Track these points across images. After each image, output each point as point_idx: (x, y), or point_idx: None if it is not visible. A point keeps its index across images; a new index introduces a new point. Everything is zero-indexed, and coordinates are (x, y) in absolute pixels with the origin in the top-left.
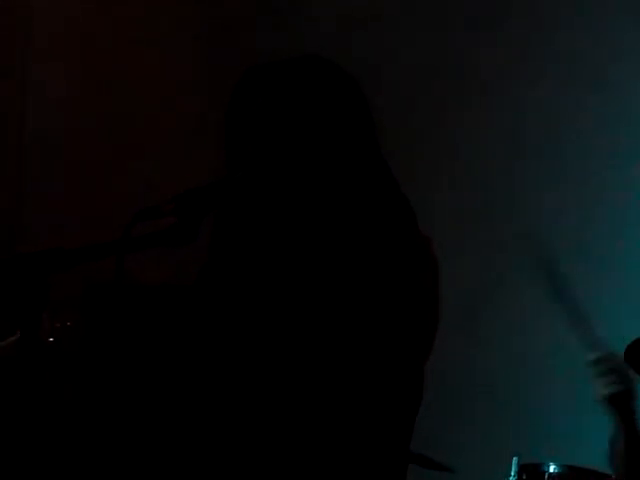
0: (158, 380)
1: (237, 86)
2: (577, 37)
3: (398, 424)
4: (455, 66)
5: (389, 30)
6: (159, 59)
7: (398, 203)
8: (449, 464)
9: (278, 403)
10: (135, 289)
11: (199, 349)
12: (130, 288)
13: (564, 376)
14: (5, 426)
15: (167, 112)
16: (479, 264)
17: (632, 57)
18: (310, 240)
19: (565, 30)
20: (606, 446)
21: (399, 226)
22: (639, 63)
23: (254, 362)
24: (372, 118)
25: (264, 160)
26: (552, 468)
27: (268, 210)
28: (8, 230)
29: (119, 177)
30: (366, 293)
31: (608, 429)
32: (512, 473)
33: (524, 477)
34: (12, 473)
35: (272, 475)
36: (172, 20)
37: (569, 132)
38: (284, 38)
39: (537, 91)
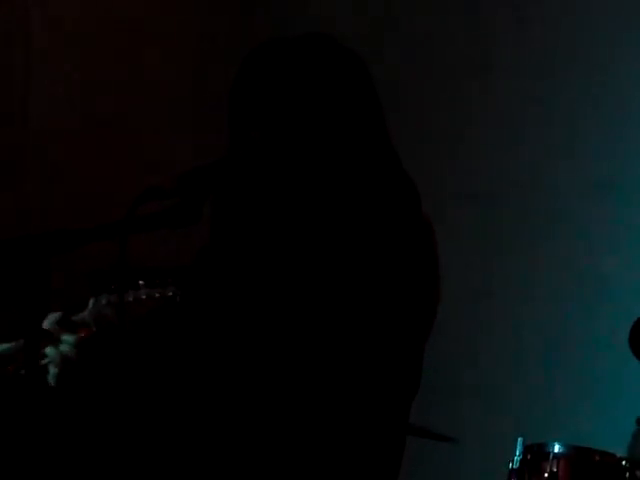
0: (157, 373)
1: (243, 64)
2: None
3: (397, 400)
4: (464, 51)
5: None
6: (159, 59)
7: (400, 184)
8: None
9: (276, 383)
10: (137, 271)
11: (196, 336)
12: (133, 270)
13: (568, 357)
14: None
15: (168, 112)
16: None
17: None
18: (310, 220)
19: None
20: (609, 427)
21: (400, 207)
22: None
23: (252, 341)
24: (377, 97)
25: (267, 139)
26: (557, 448)
27: (269, 190)
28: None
29: (120, 177)
30: (366, 273)
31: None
32: (517, 453)
33: (529, 457)
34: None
35: (272, 455)
36: (172, 20)
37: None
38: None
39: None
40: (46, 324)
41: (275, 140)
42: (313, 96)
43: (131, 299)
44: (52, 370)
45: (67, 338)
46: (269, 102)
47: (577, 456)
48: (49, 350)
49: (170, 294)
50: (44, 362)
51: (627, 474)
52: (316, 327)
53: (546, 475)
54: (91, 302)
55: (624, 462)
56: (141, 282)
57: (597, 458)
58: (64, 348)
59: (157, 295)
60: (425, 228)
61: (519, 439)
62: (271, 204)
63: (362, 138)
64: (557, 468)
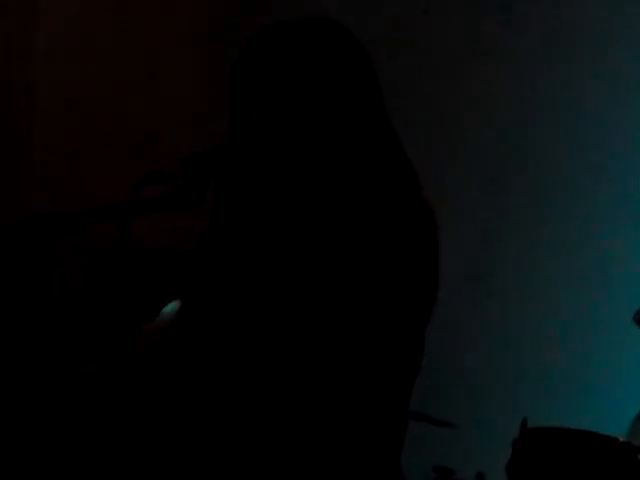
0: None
1: (244, 48)
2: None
3: (398, 384)
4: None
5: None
6: (160, 57)
7: (400, 167)
8: (456, 425)
9: (278, 365)
10: (141, 253)
11: (199, 320)
12: (136, 252)
13: (576, 340)
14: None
15: (169, 111)
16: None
17: None
18: (311, 204)
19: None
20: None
21: (399, 191)
22: None
23: (255, 328)
24: (377, 80)
25: (267, 120)
26: (559, 432)
27: (270, 173)
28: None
29: (122, 177)
30: (365, 257)
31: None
32: (519, 436)
33: (531, 440)
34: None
35: (274, 440)
36: (172, 19)
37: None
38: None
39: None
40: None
41: (276, 122)
42: (314, 78)
43: None
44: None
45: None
46: (270, 84)
47: (580, 440)
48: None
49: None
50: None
51: (630, 458)
52: (316, 310)
53: (549, 458)
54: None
55: (627, 446)
56: None
57: (600, 441)
58: None
59: None
60: (426, 212)
61: (522, 421)
62: (272, 187)
63: (362, 121)
64: (559, 452)
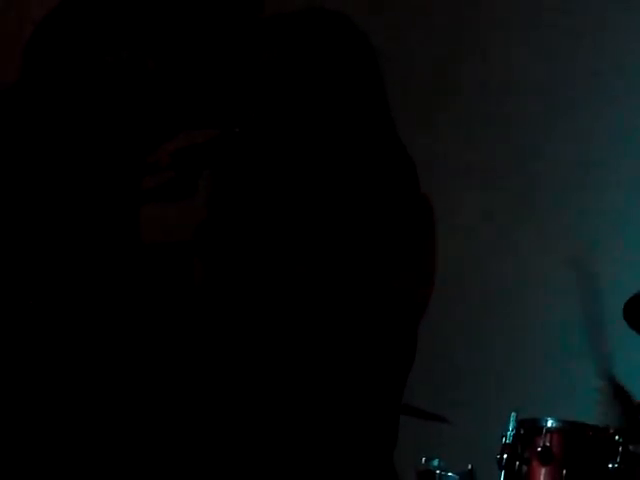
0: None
1: (245, 38)
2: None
3: (391, 378)
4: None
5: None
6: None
7: (399, 164)
8: (448, 420)
9: (272, 363)
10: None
11: (197, 313)
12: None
13: (560, 332)
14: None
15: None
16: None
17: None
18: (306, 197)
19: None
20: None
21: (397, 187)
22: None
23: (251, 321)
24: (380, 73)
25: (264, 115)
26: (550, 423)
27: (266, 166)
28: None
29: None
30: (360, 251)
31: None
32: (510, 428)
33: (522, 432)
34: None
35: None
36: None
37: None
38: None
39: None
40: None
41: (271, 115)
42: (314, 74)
43: None
44: None
45: None
46: (267, 77)
47: (570, 430)
48: None
49: None
50: None
51: (620, 448)
52: (309, 304)
53: (539, 449)
54: None
55: (617, 437)
56: None
57: (590, 433)
58: None
59: None
60: (424, 208)
61: (512, 414)
62: (267, 179)
63: (362, 116)
64: (550, 443)
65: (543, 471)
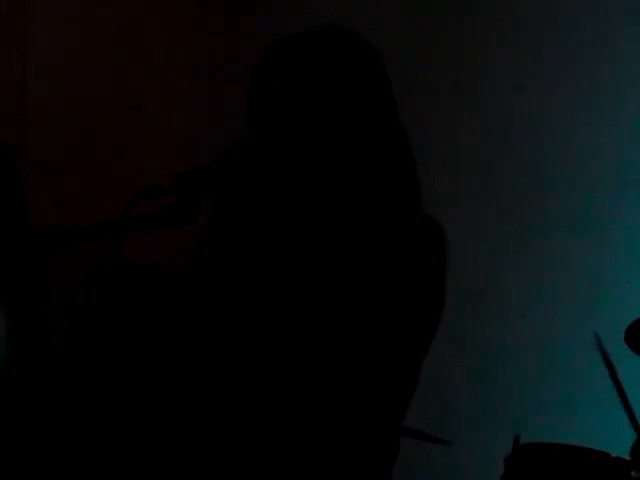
0: (157, 372)
1: (262, 58)
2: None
3: (394, 403)
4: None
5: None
6: (160, 56)
7: (407, 188)
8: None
9: (276, 383)
10: (133, 269)
11: (196, 333)
12: (129, 269)
13: (566, 356)
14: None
15: (168, 110)
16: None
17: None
18: (309, 223)
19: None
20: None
21: (404, 209)
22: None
23: (252, 345)
24: (392, 97)
25: (269, 137)
26: (552, 447)
27: (268, 190)
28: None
29: (121, 175)
30: (367, 278)
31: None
32: (512, 452)
33: (524, 456)
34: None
35: (270, 451)
36: (171, 18)
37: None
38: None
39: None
40: None
41: (279, 139)
42: (322, 96)
43: None
44: None
45: None
46: (270, 100)
47: (573, 455)
48: None
49: None
50: None
51: (622, 474)
52: (314, 329)
53: (542, 474)
54: None
55: (620, 462)
56: None
57: (593, 458)
58: None
59: None
60: (432, 231)
61: (515, 438)
62: (271, 203)
63: (372, 139)
64: (553, 467)
65: None
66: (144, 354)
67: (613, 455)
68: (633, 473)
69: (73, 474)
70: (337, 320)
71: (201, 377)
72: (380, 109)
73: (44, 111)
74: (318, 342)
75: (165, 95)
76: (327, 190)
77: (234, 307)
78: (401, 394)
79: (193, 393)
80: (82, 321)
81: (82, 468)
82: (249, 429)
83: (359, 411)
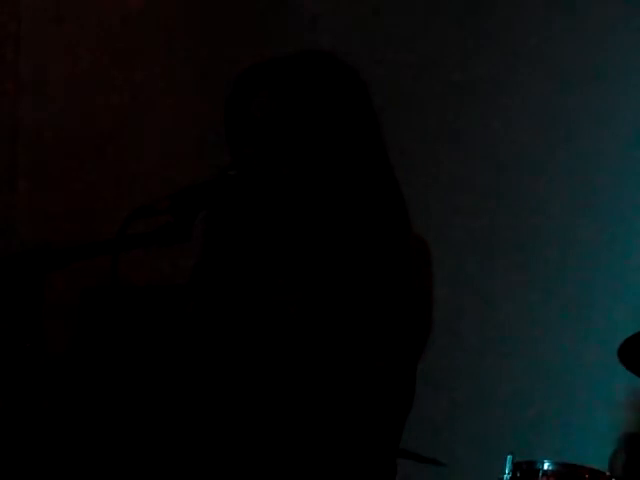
0: (156, 383)
1: (236, 82)
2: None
3: (389, 423)
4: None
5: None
6: (160, 61)
7: (393, 205)
8: (443, 463)
9: (273, 400)
10: (130, 289)
11: (194, 350)
12: (125, 289)
13: (558, 374)
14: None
15: (167, 113)
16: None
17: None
18: (301, 241)
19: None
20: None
21: (391, 229)
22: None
23: (248, 365)
24: (374, 114)
25: (259, 158)
26: (546, 465)
27: (261, 209)
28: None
29: (118, 180)
30: (358, 295)
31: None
32: (506, 471)
33: (518, 475)
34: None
35: (268, 467)
36: (171, 20)
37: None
38: (283, 39)
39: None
40: None
41: (268, 158)
42: (307, 115)
43: None
44: None
45: None
46: (260, 121)
47: (566, 473)
48: None
49: None
50: None
51: None
52: (308, 345)
53: None
54: None
55: (613, 479)
56: None
57: (587, 476)
58: None
59: None
60: (419, 251)
61: (508, 456)
62: (264, 221)
63: (356, 157)
64: None
65: None
66: (141, 371)
67: (607, 473)
68: None
69: (73, 474)
70: (329, 337)
71: (198, 393)
72: (358, 127)
73: (37, 125)
74: (311, 362)
75: (165, 98)
76: (312, 209)
77: (231, 324)
78: (395, 413)
79: (189, 411)
80: (78, 340)
81: (82, 468)
82: (246, 451)
83: (354, 430)
